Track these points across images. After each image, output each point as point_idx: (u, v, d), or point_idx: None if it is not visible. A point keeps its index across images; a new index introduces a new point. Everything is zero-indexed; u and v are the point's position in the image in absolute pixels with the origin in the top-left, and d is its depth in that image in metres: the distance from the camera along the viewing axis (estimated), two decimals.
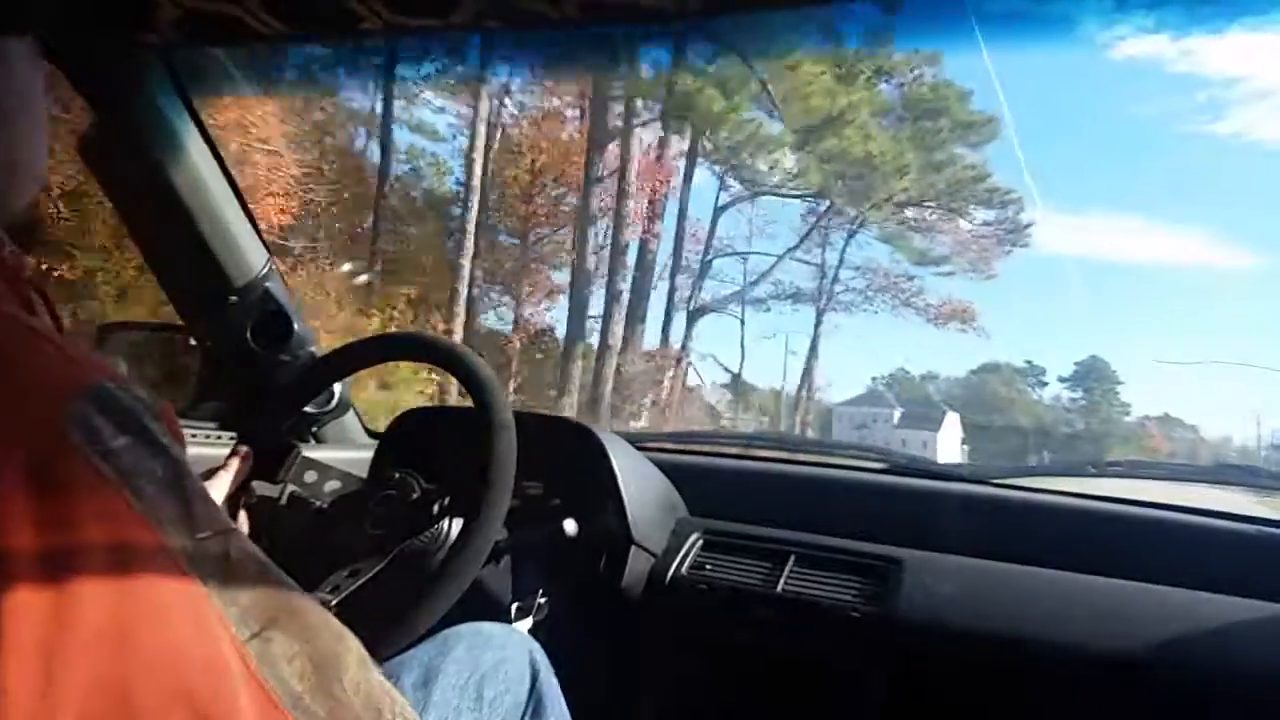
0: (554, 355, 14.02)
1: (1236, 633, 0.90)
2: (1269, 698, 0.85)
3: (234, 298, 1.10)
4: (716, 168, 15.82)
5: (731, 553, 1.11)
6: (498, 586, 0.99)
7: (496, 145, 13.39)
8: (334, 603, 0.74)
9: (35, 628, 0.33)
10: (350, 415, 1.28)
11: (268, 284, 1.12)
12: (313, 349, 1.16)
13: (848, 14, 0.64)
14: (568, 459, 1.09)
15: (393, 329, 9.79)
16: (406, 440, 1.21)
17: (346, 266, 10.74)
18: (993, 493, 1.21)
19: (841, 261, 16.65)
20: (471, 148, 12.10)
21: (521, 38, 0.73)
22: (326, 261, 10.29)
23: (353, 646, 0.43)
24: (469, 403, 0.85)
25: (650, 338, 15.17)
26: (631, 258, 13.97)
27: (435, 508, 0.86)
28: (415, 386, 9.29)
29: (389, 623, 0.73)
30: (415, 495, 0.88)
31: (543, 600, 0.97)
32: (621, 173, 12.96)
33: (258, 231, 1.11)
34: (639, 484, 1.11)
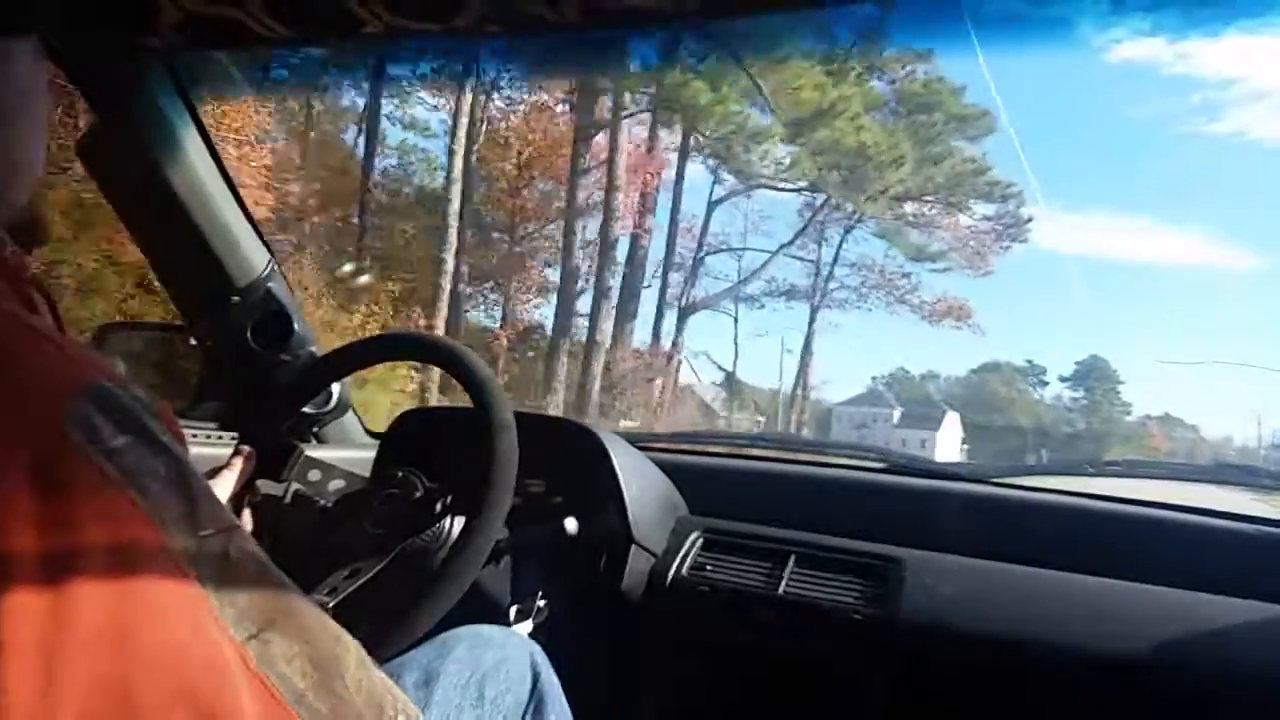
0: (543, 352, 13.85)
1: (1237, 634, 0.90)
2: (1269, 698, 0.85)
3: (236, 298, 1.10)
4: (710, 161, 15.70)
5: (732, 552, 1.11)
6: (497, 589, 0.99)
7: (481, 138, 13.09)
8: (331, 604, 0.74)
9: (35, 628, 0.33)
10: (350, 415, 1.28)
11: (270, 284, 1.12)
12: (313, 349, 1.17)
13: (843, 17, 0.64)
14: (568, 458, 1.09)
15: (374, 325, 9.73)
16: (408, 440, 1.21)
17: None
18: (992, 492, 1.21)
19: (836, 258, 16.62)
20: (453, 139, 11.80)
21: (516, 39, 0.73)
22: (306, 257, 10.14)
23: (351, 647, 0.43)
24: (468, 402, 0.86)
25: (642, 335, 15.04)
26: (622, 253, 13.80)
27: (438, 506, 0.86)
28: (394, 385, 9.10)
29: (389, 623, 0.73)
30: (418, 494, 0.88)
31: (542, 603, 0.97)
32: (610, 165, 12.74)
33: (259, 232, 1.12)
34: (640, 483, 1.11)
